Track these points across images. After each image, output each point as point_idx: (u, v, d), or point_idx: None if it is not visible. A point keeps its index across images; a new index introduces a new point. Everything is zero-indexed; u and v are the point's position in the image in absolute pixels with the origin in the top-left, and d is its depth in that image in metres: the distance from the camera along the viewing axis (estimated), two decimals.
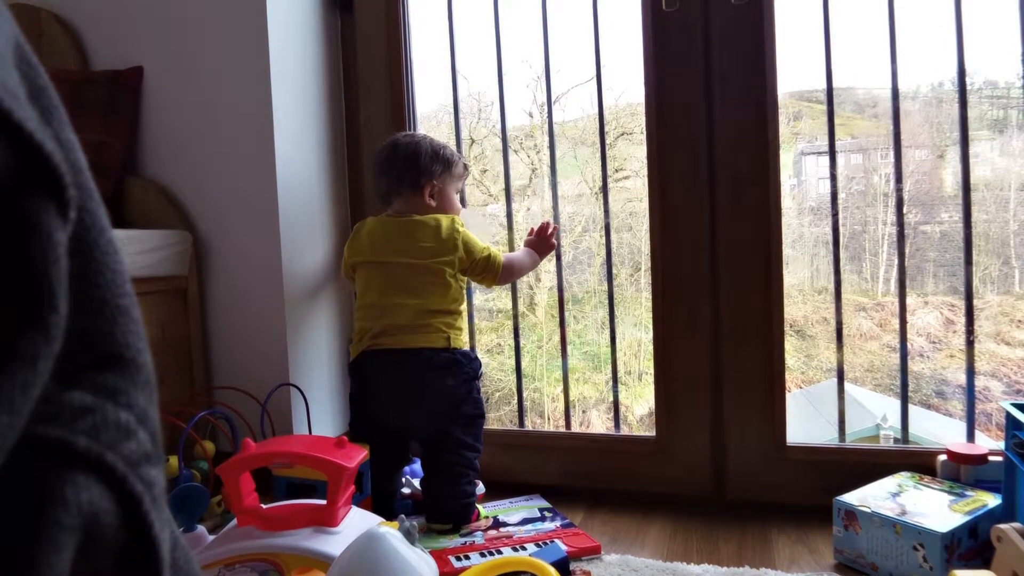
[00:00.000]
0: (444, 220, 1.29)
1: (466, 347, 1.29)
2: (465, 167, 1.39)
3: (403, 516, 0.84)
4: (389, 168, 1.32)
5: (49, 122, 0.24)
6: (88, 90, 1.45)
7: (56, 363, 0.22)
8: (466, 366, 1.24)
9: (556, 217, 1.51)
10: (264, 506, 0.95)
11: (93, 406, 0.23)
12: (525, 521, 1.22)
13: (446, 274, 1.26)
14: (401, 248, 1.27)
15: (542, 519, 1.23)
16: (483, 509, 1.26)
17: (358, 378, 1.28)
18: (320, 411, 1.48)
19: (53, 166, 0.20)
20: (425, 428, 1.25)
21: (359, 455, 0.99)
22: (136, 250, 1.30)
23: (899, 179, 1.36)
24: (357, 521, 0.94)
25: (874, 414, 2.98)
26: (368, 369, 1.25)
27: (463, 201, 1.43)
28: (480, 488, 1.32)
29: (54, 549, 0.20)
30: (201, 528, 1.08)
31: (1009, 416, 0.98)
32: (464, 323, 1.31)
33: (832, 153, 1.36)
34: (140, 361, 0.27)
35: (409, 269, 1.26)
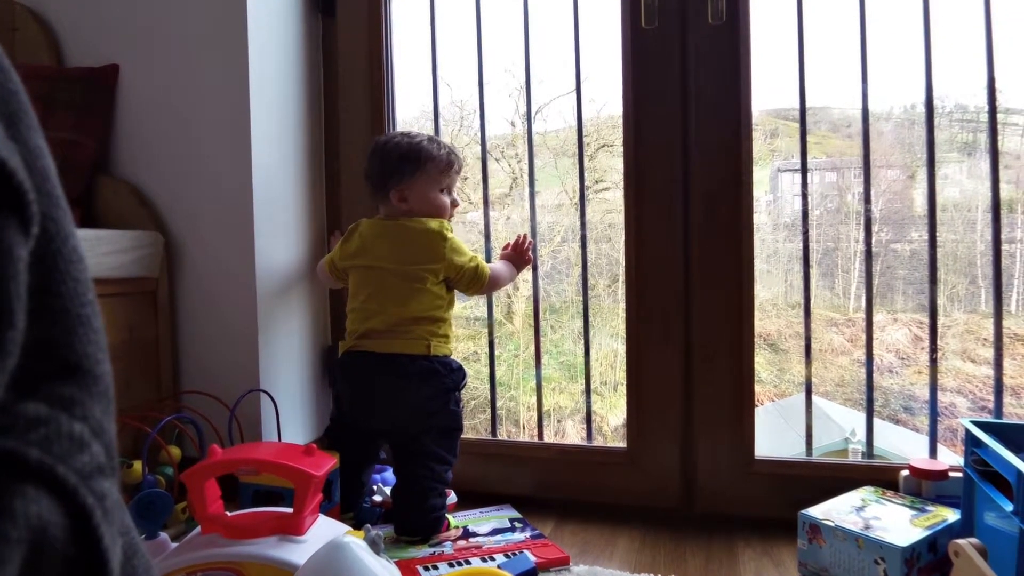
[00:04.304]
0: (432, 224, 1.26)
1: (450, 355, 1.27)
2: (451, 162, 1.29)
3: (368, 526, 0.83)
4: (368, 171, 1.32)
5: (16, 130, 0.24)
6: (62, 87, 1.43)
7: (12, 373, 0.21)
8: (445, 376, 1.22)
9: (533, 227, 1.51)
10: (229, 514, 0.94)
11: (47, 417, 0.23)
12: (495, 531, 1.22)
13: (428, 281, 1.24)
14: (386, 253, 1.25)
15: (512, 529, 1.23)
16: (453, 519, 1.25)
17: (338, 376, 1.29)
18: (290, 418, 1.46)
19: (17, 183, 0.20)
20: (396, 434, 1.24)
21: (327, 463, 0.98)
22: (106, 251, 1.28)
23: (868, 199, 1.39)
24: (324, 530, 0.93)
25: (844, 428, 3.03)
26: (347, 369, 1.25)
27: (453, 202, 1.32)
28: (451, 498, 1.32)
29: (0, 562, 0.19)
30: (164, 535, 1.05)
31: (968, 434, 1.00)
32: (450, 331, 1.28)
33: (804, 171, 1.39)
34: (98, 372, 0.26)
35: (393, 274, 1.24)
